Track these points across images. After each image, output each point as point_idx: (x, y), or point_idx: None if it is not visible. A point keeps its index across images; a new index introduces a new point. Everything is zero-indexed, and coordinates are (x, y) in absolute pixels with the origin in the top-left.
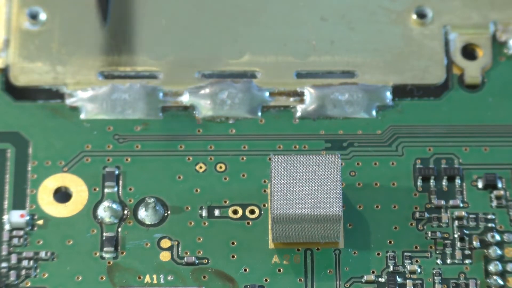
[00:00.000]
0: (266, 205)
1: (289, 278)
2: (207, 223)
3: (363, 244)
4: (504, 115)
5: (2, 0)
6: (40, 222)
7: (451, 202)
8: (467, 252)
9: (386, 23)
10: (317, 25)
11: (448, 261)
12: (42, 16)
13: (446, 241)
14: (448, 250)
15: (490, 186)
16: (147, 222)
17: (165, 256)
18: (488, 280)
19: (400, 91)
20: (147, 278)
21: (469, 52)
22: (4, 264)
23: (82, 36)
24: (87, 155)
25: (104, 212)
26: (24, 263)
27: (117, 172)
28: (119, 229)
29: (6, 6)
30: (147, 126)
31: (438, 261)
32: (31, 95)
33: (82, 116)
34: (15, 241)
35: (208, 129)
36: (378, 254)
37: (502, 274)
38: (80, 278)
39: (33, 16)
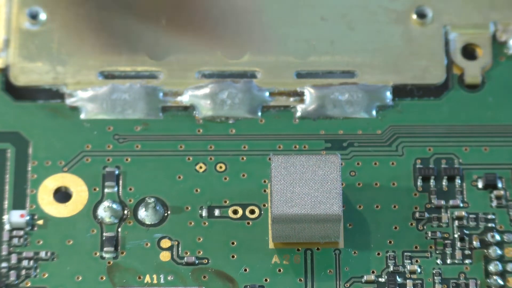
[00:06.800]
0: (266, 205)
1: (289, 278)
2: (207, 223)
3: (363, 244)
4: (504, 115)
5: (2, 0)
6: (40, 222)
7: (451, 202)
8: (467, 252)
9: (386, 23)
10: (317, 25)
11: (448, 261)
12: (42, 16)
13: (446, 241)
14: (448, 250)
15: (490, 186)
16: (147, 222)
17: (165, 256)
18: (488, 280)
19: (400, 91)
20: (147, 278)
21: (469, 52)
22: (4, 264)
23: (82, 36)
24: (87, 155)
25: (104, 212)
26: (24, 263)
27: (117, 172)
28: (119, 229)
29: (6, 6)
30: (147, 126)
31: (438, 261)
32: (31, 95)
33: (82, 116)
34: (15, 241)
35: (208, 129)
36: (378, 254)
37: (502, 274)
38: (80, 278)
39: (33, 16)
